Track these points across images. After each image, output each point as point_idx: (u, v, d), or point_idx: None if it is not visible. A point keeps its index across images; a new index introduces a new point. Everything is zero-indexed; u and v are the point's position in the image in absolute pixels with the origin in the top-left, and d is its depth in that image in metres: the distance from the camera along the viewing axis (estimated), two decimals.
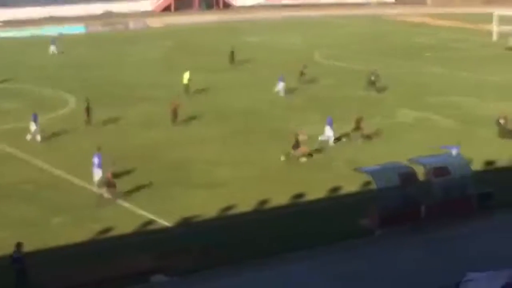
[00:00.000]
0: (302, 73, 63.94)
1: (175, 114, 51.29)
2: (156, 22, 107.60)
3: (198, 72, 62.22)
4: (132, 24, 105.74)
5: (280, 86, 59.59)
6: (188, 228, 34.02)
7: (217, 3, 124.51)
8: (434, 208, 34.20)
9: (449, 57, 77.96)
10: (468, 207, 35.02)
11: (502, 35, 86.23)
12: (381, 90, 60.04)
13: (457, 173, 35.16)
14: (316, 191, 38.19)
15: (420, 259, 30.33)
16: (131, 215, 35.47)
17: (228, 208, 36.12)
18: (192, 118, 52.22)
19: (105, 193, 37.14)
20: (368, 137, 47.01)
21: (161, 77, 68.06)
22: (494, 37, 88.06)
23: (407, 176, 34.20)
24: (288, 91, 59.99)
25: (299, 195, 37.82)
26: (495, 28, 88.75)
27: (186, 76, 60.75)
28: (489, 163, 42.44)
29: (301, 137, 43.56)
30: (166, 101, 54.99)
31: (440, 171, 35.06)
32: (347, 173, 39.15)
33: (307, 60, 71.26)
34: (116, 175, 38.76)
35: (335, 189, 38.68)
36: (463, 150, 39.63)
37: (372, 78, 60.04)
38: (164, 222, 34.56)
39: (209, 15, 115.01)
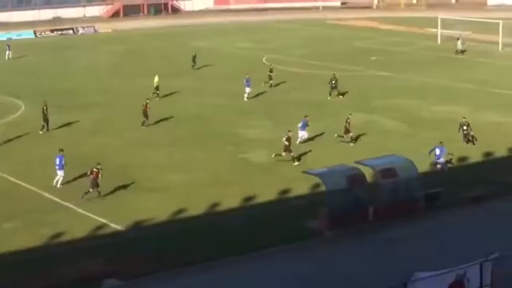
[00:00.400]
0: (270, 77, 64.53)
1: (145, 115, 51.59)
2: (105, 28, 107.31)
3: (149, 77, 62.25)
4: (81, 30, 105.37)
5: (247, 90, 59.93)
6: (140, 232, 34.19)
7: (166, 8, 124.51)
8: (382, 209, 34.78)
9: (394, 60, 78.82)
10: (415, 208, 35.58)
11: (447, 39, 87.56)
12: (339, 94, 60.62)
13: (404, 175, 35.78)
14: (266, 194, 38.60)
15: (368, 259, 30.76)
16: (82, 219, 35.52)
17: (179, 211, 36.37)
18: (143, 122, 52.29)
19: (92, 191, 37.69)
20: (354, 139, 47.69)
21: (111, 82, 68.05)
22: (439, 41, 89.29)
23: (355, 178, 34.74)
24: (239, 94, 60.35)
25: (250, 198, 38.19)
26: (439, 31, 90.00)
27: (156, 79, 61.03)
28: (435, 164, 43.16)
29: (286, 140, 43.84)
30: (117, 106, 54.96)
31: (387, 172, 35.62)
32: (297, 176, 39.56)
33: (257, 64, 71.94)
34: (68, 181, 39.22)
35: (285, 192, 39.12)
36: (408, 152, 40.30)
37: (333, 82, 60.52)
38: (116, 226, 34.71)
39: (158, 20, 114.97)
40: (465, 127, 46.51)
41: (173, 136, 49.80)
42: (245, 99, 59.74)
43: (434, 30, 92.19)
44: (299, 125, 47.43)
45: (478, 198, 37.01)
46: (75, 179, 40.44)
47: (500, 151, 45.57)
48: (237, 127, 51.62)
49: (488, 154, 45.28)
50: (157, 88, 60.67)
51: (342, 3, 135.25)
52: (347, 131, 47.28)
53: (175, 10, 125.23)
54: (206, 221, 35.43)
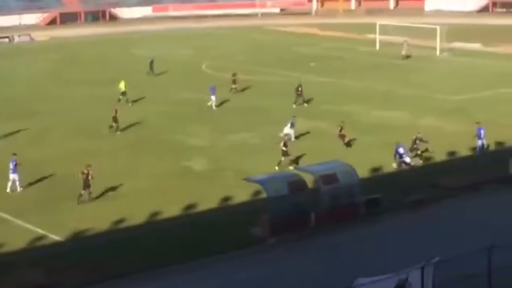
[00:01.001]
0: (234, 82, 64.35)
1: (115, 120, 51.45)
2: (42, 36, 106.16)
3: (87, 85, 61.66)
4: (17, 38, 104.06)
5: (213, 98, 59.37)
6: (80, 242, 33.84)
7: (103, 16, 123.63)
8: (324, 215, 34.87)
9: (334, 66, 79.04)
10: (356, 213, 35.79)
11: (385, 44, 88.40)
12: (304, 102, 60.42)
13: (345, 180, 35.93)
14: (208, 201, 38.48)
15: (311, 265, 30.84)
16: (21, 230, 35.04)
17: (121, 221, 36.08)
18: (85, 131, 51.70)
19: (84, 193, 38.08)
20: (348, 144, 47.85)
21: (50, 90, 67.34)
22: (377, 46, 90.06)
23: (297, 185, 34.81)
24: (185, 102, 59.92)
25: (192, 206, 38.04)
26: (378, 37, 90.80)
27: (122, 85, 60.67)
28: (375, 169, 43.54)
29: (282, 145, 44.01)
30: (57, 114, 54.27)
31: (329, 178, 35.72)
32: (238, 183, 39.51)
33: (197, 70, 71.62)
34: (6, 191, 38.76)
35: (227, 199, 39.05)
36: (349, 158, 40.51)
37: (300, 89, 60.38)
38: (55, 237, 34.30)
39: (96, 28, 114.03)
40: (418, 141, 45.58)
41: (115, 144, 49.35)
42: (214, 107, 59.23)
43: (373, 36, 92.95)
44: (288, 125, 48.13)
45: (419, 202, 37.34)
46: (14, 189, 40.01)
47: (440, 156, 46.05)
48: (180, 134, 51.38)
49: (428, 158, 45.69)
50: (124, 93, 60.37)
51: (281, 10, 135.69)
52: (342, 136, 47.67)
53: (113, 18, 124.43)
54: (148, 229, 35.17)
